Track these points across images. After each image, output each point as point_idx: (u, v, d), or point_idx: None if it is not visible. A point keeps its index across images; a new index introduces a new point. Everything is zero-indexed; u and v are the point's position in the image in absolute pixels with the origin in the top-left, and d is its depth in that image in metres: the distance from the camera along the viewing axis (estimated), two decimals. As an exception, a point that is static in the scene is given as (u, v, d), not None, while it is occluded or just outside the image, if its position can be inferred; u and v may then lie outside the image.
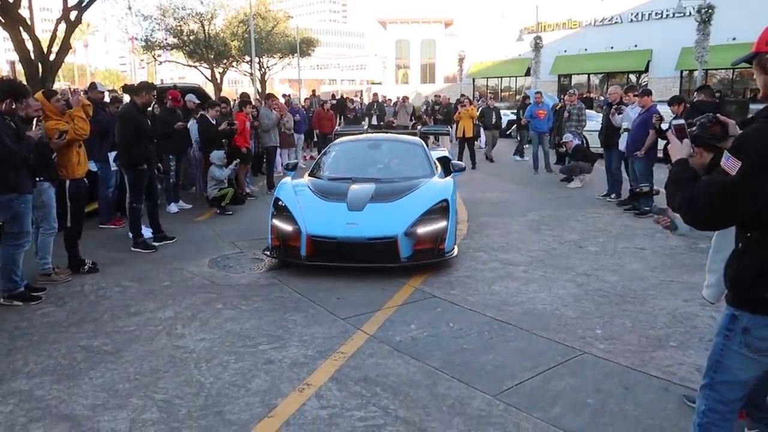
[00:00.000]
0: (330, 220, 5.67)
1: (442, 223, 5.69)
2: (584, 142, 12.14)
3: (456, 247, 5.92)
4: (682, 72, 28.94)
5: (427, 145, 8.43)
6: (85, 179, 5.78)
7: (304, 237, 5.51)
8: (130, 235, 6.68)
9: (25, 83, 13.28)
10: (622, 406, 3.25)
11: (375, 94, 19.71)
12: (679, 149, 2.33)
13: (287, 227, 5.70)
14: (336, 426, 3.05)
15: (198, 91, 12.05)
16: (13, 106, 4.74)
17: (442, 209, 5.79)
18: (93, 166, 7.38)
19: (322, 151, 8.07)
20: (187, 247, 6.70)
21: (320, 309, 4.72)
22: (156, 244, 6.67)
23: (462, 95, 16.87)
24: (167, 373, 3.63)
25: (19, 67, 14.20)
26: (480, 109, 15.73)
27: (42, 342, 4.12)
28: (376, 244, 5.55)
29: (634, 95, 8.33)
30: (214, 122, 9.16)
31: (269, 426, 3.04)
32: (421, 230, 5.61)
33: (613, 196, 9.30)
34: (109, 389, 3.44)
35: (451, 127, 14.08)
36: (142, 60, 41.30)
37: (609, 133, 8.96)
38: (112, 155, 7.40)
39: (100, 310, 4.74)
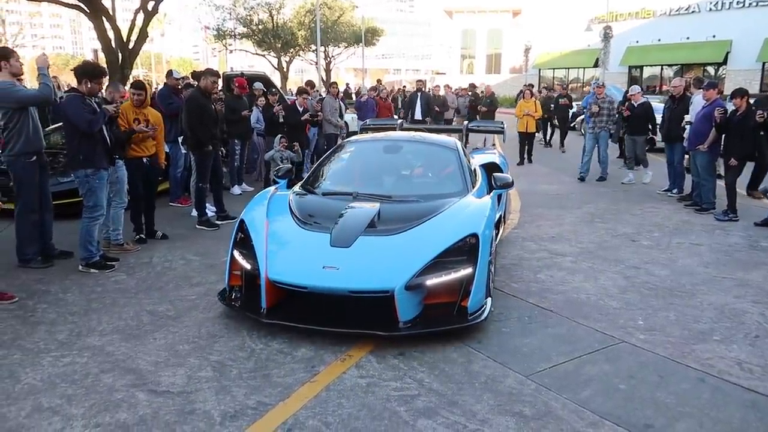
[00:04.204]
0: (301, 261, 4.03)
1: (466, 271, 3.92)
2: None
3: (488, 302, 4.13)
4: (764, 64, 27.36)
5: (465, 145, 6.85)
6: (144, 160, 6.17)
7: (263, 282, 3.94)
8: (195, 213, 7.13)
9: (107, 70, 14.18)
10: (654, 393, 3.30)
11: (420, 81, 15.31)
12: None
13: (245, 264, 4.18)
14: (372, 394, 3.25)
15: (263, 79, 12.53)
16: (89, 85, 5.20)
17: (468, 249, 4.03)
18: (164, 148, 7.93)
19: (326, 154, 6.40)
20: (247, 226, 7.06)
21: (367, 288, 4.93)
22: (219, 222, 7.07)
23: (525, 84, 15.96)
24: (222, 338, 3.93)
25: (101, 55, 15.14)
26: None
27: (114, 305, 4.54)
28: (362, 300, 3.91)
29: (698, 88, 8.08)
30: (300, 110, 9.68)
31: (311, 389, 3.28)
32: (433, 281, 3.86)
33: (674, 191, 9.07)
34: (170, 349, 3.78)
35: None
36: (213, 48, 42.82)
37: (671, 126, 8.73)
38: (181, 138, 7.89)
39: (166, 280, 5.14)
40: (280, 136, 9.25)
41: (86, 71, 5.28)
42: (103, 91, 5.66)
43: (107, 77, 5.76)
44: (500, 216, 5.87)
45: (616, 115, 10.57)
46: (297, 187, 5.25)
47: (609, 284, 5.11)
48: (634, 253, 6.07)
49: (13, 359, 3.62)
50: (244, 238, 4.35)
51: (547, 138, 16.38)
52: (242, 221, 4.46)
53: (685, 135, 8.43)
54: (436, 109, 14.34)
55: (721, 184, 7.83)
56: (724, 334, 4.11)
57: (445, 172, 5.43)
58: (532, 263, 5.70)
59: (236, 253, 4.30)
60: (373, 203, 4.59)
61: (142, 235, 6.27)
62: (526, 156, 13.06)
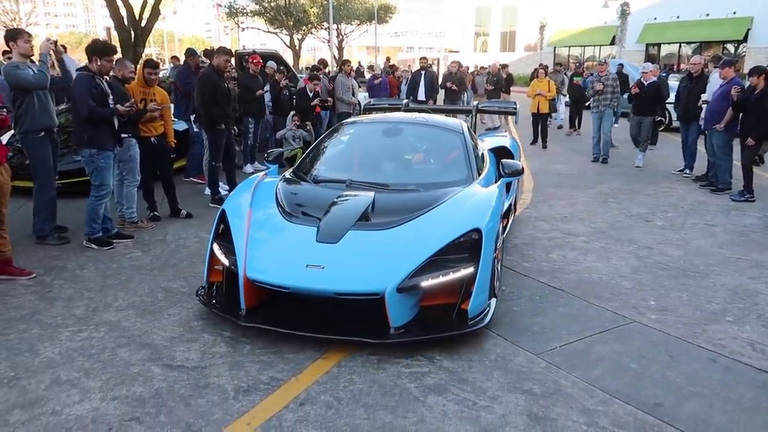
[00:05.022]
0: (283, 258, 3.70)
1: (467, 271, 3.56)
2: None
3: (492, 303, 3.79)
4: (786, 42, 26.76)
5: (474, 128, 6.44)
6: (152, 140, 6.16)
7: (241, 280, 3.62)
8: (208, 191, 7.17)
9: (119, 48, 14.22)
10: (664, 372, 3.30)
11: (423, 59, 13.70)
12: None
13: (224, 260, 3.86)
14: (383, 370, 3.29)
15: (276, 58, 12.49)
16: (99, 63, 5.21)
17: (470, 245, 3.67)
18: (182, 126, 8.00)
19: (320, 137, 5.95)
20: (259, 205, 7.11)
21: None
22: (231, 201, 7.11)
23: (540, 64, 15.35)
24: (235, 315, 3.98)
25: (114, 33, 15.14)
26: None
27: (129, 282, 4.60)
28: (348, 303, 3.57)
29: (715, 66, 7.94)
30: (311, 95, 9.72)
31: (322, 365, 3.32)
32: (429, 283, 3.50)
33: (687, 171, 8.97)
34: (184, 325, 3.84)
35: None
36: (226, 27, 42.66)
37: (688, 105, 8.58)
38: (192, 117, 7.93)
39: (179, 257, 5.19)
40: (292, 114, 9.26)
41: (96, 49, 5.28)
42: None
43: (117, 54, 5.74)
44: (510, 204, 5.62)
45: (624, 95, 10.25)
46: (288, 173, 4.89)
47: (621, 264, 5.09)
48: (648, 233, 6.03)
49: (32, 333, 3.70)
50: (225, 230, 4.00)
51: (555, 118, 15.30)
52: (223, 211, 4.12)
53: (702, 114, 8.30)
54: (453, 87, 13.28)
55: (737, 164, 7.73)
56: (737, 314, 4.10)
57: (448, 158, 5.02)
58: (544, 243, 5.69)
59: (215, 247, 3.95)
60: (368, 192, 4.22)
61: (156, 213, 6.33)
62: (540, 140, 12.41)
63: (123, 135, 5.60)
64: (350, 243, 3.67)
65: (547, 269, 4.95)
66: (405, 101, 7.60)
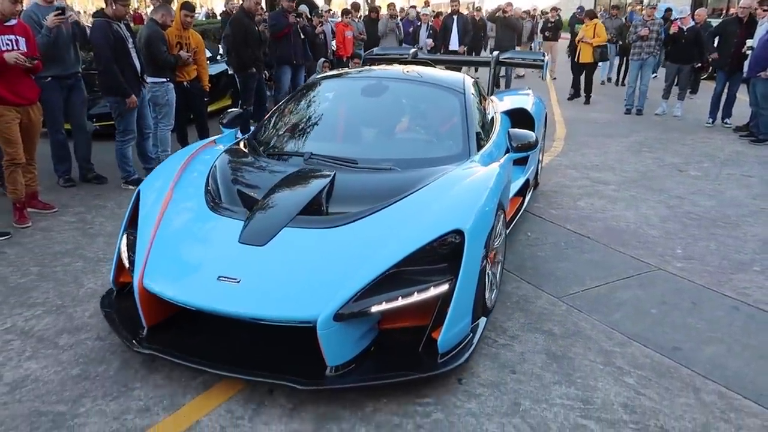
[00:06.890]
0: (191, 264, 2.79)
1: (438, 290, 2.57)
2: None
3: (479, 327, 2.83)
4: None
5: (490, 84, 5.80)
6: (184, 84, 6.22)
7: (136, 289, 2.69)
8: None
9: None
10: (685, 318, 3.34)
11: (455, 2, 11.86)
12: None
13: (125, 259, 2.98)
14: (407, 308, 3.40)
15: (308, 1, 12.31)
16: (114, 7, 5.16)
17: (448, 252, 2.68)
18: (216, 69, 8.07)
19: (290, 95, 4.88)
20: (290, 149, 7.20)
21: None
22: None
23: (580, 7, 14.10)
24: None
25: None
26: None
27: (165, 221, 4.78)
28: (269, 332, 2.61)
29: (764, 9, 7.56)
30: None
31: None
32: (382, 307, 2.48)
33: (727, 120, 8.69)
34: (218, 262, 3.99)
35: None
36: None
37: (734, 52, 8.23)
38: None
39: (213, 199, 5.34)
40: (323, 60, 9.20)
41: None
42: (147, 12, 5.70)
43: None
44: (527, 179, 4.76)
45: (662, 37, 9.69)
46: (242, 141, 3.92)
47: (650, 213, 5.06)
48: (680, 183, 5.95)
49: (76, 266, 3.92)
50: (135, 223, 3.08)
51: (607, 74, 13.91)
52: (139, 192, 3.22)
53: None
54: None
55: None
56: (765, 264, 4.07)
57: (441, 126, 4.02)
58: (572, 191, 5.66)
59: (124, 241, 3.04)
60: (329, 171, 3.26)
61: None
62: (584, 94, 11.16)
63: (161, 79, 5.73)
64: (281, 246, 2.70)
65: (574, 216, 4.95)
66: (413, 50, 6.47)
